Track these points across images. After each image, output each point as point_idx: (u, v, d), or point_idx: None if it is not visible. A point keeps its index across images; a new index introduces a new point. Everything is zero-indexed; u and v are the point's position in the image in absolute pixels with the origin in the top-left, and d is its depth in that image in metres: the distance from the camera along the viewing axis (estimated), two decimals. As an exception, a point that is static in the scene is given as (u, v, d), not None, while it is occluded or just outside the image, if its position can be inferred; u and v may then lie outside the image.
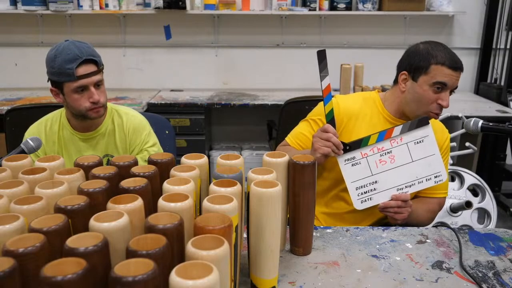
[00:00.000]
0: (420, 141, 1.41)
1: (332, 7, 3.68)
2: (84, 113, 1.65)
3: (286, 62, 3.95)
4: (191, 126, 3.40)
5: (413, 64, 1.54)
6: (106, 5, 3.60)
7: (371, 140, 1.42)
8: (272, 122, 3.41)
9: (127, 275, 0.63)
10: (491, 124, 1.50)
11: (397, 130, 1.42)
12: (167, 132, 2.11)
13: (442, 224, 1.44)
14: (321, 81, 1.41)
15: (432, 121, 1.63)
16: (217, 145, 4.05)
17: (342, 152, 1.41)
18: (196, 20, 3.82)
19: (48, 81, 1.65)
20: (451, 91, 1.54)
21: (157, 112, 2.35)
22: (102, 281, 0.70)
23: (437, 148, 1.43)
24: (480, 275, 1.16)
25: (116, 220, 0.78)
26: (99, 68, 1.64)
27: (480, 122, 1.51)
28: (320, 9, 3.67)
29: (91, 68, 1.60)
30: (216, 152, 3.86)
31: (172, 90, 3.86)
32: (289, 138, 1.68)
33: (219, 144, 4.07)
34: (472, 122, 1.52)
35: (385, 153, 1.41)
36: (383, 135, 1.41)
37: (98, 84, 1.65)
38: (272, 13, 3.67)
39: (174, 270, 0.65)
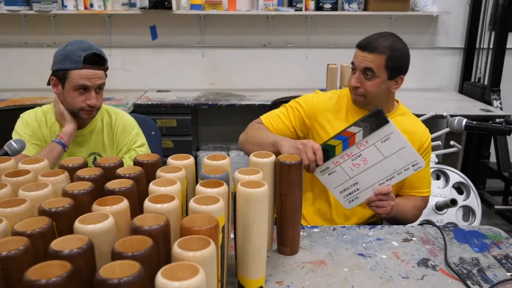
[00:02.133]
0: (386, 139, 1.39)
1: (318, 7, 3.70)
2: (76, 111, 1.66)
3: (272, 62, 3.95)
4: (178, 126, 3.38)
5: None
6: (91, 5, 3.56)
7: (337, 151, 1.40)
8: (259, 122, 3.41)
9: (113, 277, 0.62)
10: (474, 123, 1.52)
11: (359, 136, 1.39)
12: (153, 133, 2.10)
13: (428, 222, 1.46)
14: (352, 125, 1.38)
15: (412, 121, 1.65)
16: (204, 146, 4.03)
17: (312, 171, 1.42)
18: (182, 20, 3.80)
19: (50, 76, 1.66)
20: (366, 74, 1.53)
21: (143, 113, 2.34)
22: (87, 284, 0.69)
23: (405, 140, 1.41)
24: (465, 272, 1.18)
25: (101, 222, 0.78)
26: (105, 66, 1.66)
27: (464, 121, 1.53)
28: (306, 9, 3.69)
29: (98, 67, 1.63)
30: (203, 152, 3.85)
31: (158, 91, 3.84)
32: (264, 117, 1.72)
33: (207, 144, 4.06)
34: (456, 121, 1.54)
35: (356, 157, 1.40)
36: (347, 144, 1.40)
37: (100, 88, 1.66)
38: (258, 13, 3.67)
39: (160, 271, 0.64)
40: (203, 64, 3.94)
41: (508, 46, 3.65)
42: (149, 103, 3.38)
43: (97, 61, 1.62)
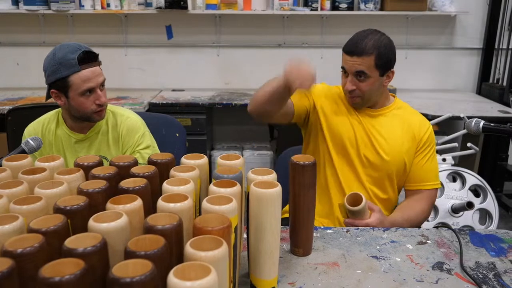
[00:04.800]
0: None
1: (334, 7, 3.67)
2: (89, 115, 1.65)
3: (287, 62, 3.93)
4: (193, 126, 3.39)
5: None
6: (108, 5, 3.60)
7: None
8: (273, 122, 3.41)
9: (125, 276, 0.63)
10: (492, 125, 1.49)
11: None
12: (177, 134, 2.08)
13: (443, 225, 1.44)
14: None
15: (410, 114, 1.69)
16: (218, 145, 4.04)
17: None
18: (197, 20, 3.82)
19: (48, 90, 1.63)
20: (359, 76, 1.55)
21: (158, 112, 2.35)
22: (100, 282, 0.70)
23: None
24: (481, 276, 1.16)
25: (115, 221, 0.78)
26: (99, 62, 1.65)
27: (482, 122, 1.50)
28: (321, 9, 3.67)
29: (94, 64, 1.61)
30: (218, 152, 3.86)
31: (173, 90, 3.86)
32: None
33: (221, 144, 4.07)
34: (473, 123, 1.51)
35: None
36: None
37: (102, 85, 1.65)
38: (273, 13, 3.66)
39: (172, 271, 0.64)
40: (218, 64, 3.95)
41: (527, 46, 3.58)
42: (164, 102, 3.40)
43: (90, 58, 1.60)
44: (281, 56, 3.94)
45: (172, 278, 0.63)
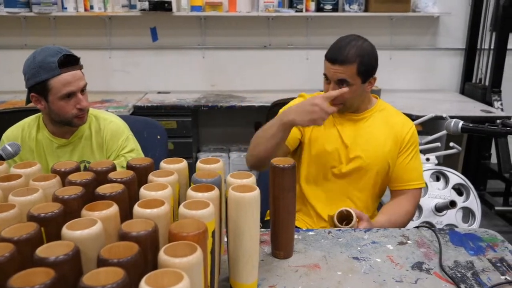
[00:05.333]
0: None
1: (319, 9, 3.69)
2: (70, 120, 1.63)
3: (273, 64, 3.95)
4: (178, 128, 3.38)
5: None
6: (91, 7, 3.57)
7: None
8: (259, 123, 3.41)
9: (96, 284, 0.62)
10: (471, 125, 1.51)
11: None
12: (158, 137, 2.07)
13: (427, 224, 1.45)
14: None
15: (393, 115, 1.70)
16: (205, 147, 4.03)
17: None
18: (182, 22, 3.81)
19: (28, 93, 1.61)
20: (342, 84, 1.55)
21: (143, 114, 2.34)
22: (73, 291, 0.69)
23: None
24: (459, 275, 1.17)
25: (89, 228, 0.77)
26: (80, 65, 1.63)
27: (461, 123, 1.52)
28: (306, 10, 3.68)
29: (74, 67, 1.59)
30: (204, 154, 3.85)
31: (159, 93, 3.84)
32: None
33: (207, 146, 4.06)
34: (452, 123, 1.53)
35: None
36: None
37: (83, 90, 1.63)
38: (259, 15, 3.67)
39: (144, 278, 0.64)
40: (203, 66, 3.95)
41: (509, 47, 3.63)
42: (149, 105, 3.38)
43: (71, 61, 1.58)
44: (266, 57, 3.95)
45: (143, 285, 0.63)
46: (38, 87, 1.57)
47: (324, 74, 1.59)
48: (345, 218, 1.48)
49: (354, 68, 1.52)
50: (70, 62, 1.58)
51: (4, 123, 2.24)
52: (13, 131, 1.73)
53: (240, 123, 3.96)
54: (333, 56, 1.54)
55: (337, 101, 1.57)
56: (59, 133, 1.70)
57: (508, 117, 3.10)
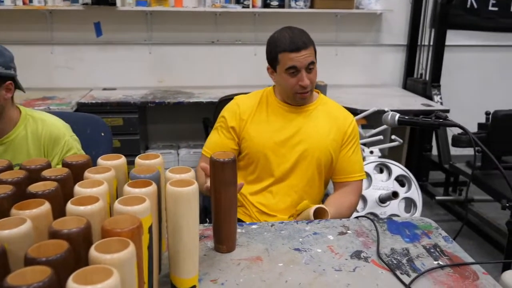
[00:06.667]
0: None
1: (266, 5, 3.71)
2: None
3: (221, 59, 3.95)
4: (124, 125, 3.31)
5: (268, 57, 1.67)
6: (30, 1, 3.43)
7: None
8: (207, 119, 3.40)
9: (22, 283, 0.60)
10: (406, 117, 1.57)
11: None
12: (102, 134, 2.01)
13: (372, 214, 1.50)
14: None
15: (334, 108, 1.76)
16: (154, 144, 3.98)
17: None
18: (127, 17, 3.73)
19: None
20: (309, 68, 1.61)
21: (88, 112, 2.27)
22: (-1, 292, 0.67)
23: None
24: (395, 262, 1.22)
25: (17, 227, 0.75)
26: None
27: (397, 116, 1.58)
28: (253, 6, 3.70)
29: None
30: (153, 151, 3.79)
31: (104, 89, 3.75)
32: (204, 150, 1.78)
33: (156, 143, 4.00)
34: (389, 116, 1.59)
35: None
36: None
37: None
38: (205, 10, 3.65)
39: (72, 276, 0.63)
40: (150, 62, 3.88)
41: (447, 43, 3.80)
42: (94, 101, 3.29)
43: None
44: (214, 53, 3.93)
45: (71, 283, 0.61)
46: None
47: (291, 68, 1.59)
48: (316, 215, 1.52)
49: (313, 48, 1.62)
50: None
51: None
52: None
53: (189, 120, 3.93)
54: (297, 45, 1.57)
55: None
56: None
57: (446, 110, 3.25)
